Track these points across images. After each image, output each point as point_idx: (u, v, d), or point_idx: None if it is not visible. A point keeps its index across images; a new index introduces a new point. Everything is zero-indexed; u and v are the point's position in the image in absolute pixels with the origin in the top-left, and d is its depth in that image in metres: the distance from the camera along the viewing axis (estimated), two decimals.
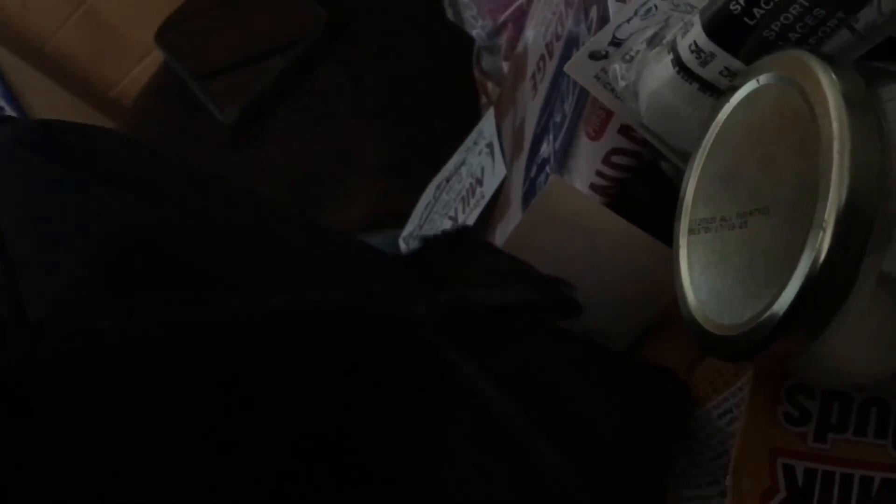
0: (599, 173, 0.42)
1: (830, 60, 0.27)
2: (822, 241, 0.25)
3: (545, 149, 0.47)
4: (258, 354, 0.27)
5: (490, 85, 0.62)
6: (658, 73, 0.34)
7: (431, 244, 0.41)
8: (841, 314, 0.26)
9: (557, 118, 0.45)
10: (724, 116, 0.31)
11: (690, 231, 0.32)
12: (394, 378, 0.29)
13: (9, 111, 1.01)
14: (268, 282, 0.30)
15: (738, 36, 0.32)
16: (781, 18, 0.31)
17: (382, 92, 0.70)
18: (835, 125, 0.25)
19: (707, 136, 0.32)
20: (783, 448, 0.31)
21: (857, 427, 0.32)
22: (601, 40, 0.39)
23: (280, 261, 0.32)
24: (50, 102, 1.03)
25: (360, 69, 0.70)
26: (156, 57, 0.90)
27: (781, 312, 0.26)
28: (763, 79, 0.30)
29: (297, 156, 0.70)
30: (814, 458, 0.31)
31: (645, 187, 0.42)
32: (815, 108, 0.26)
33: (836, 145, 0.25)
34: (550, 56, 0.50)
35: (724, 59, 0.32)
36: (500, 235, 0.51)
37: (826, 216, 0.25)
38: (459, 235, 0.41)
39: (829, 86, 0.26)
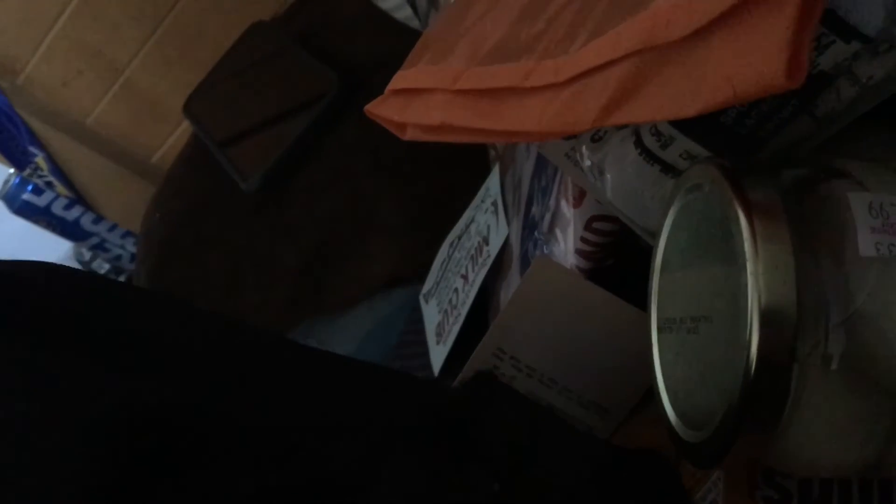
0: (584, 239, 0.42)
1: (745, 171, 0.27)
2: (748, 359, 0.25)
3: (535, 211, 0.47)
4: None
5: None
6: (622, 155, 0.35)
7: (457, 398, 0.38)
8: (788, 416, 0.25)
9: (543, 183, 0.46)
10: (671, 221, 0.31)
11: (659, 329, 0.32)
12: None
13: (58, 185, 1.05)
14: (289, 451, 0.28)
15: (696, 120, 0.32)
16: (736, 105, 0.31)
17: (396, 149, 0.71)
18: (746, 245, 0.25)
19: (661, 238, 0.32)
20: None
21: (842, 501, 0.31)
22: None
23: (313, 426, 0.30)
24: (95, 173, 1.07)
25: (374, 128, 0.71)
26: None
27: (727, 425, 0.26)
28: (694, 188, 0.30)
29: (319, 217, 0.72)
30: None
31: (630, 250, 0.42)
32: (731, 223, 0.26)
33: (749, 265, 0.25)
34: None
35: (682, 142, 0.33)
36: (504, 296, 0.52)
37: (747, 335, 0.25)
38: (477, 387, 0.38)
39: (739, 202, 0.26)
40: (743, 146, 0.33)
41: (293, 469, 0.27)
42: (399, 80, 0.41)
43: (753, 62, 0.23)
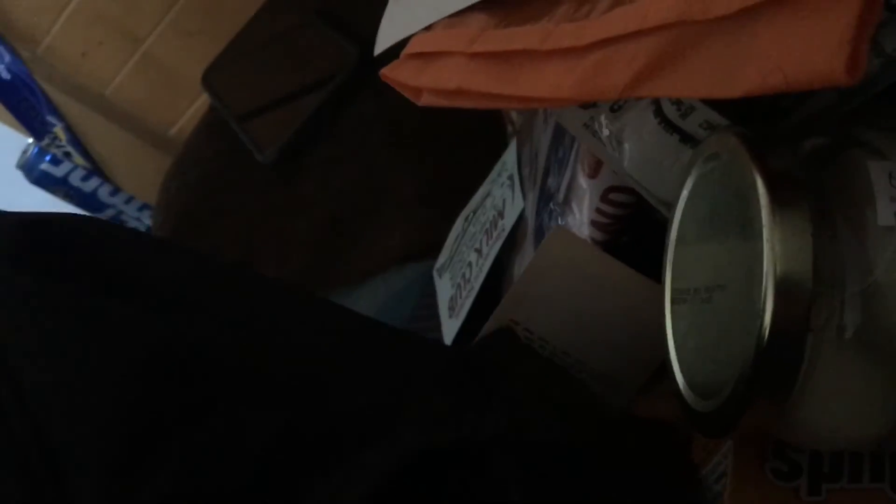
0: (599, 211, 0.41)
1: (764, 140, 0.27)
2: (762, 328, 0.24)
3: (552, 183, 0.47)
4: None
5: (514, 114, 0.62)
6: (641, 124, 0.34)
7: (475, 348, 0.40)
8: (801, 386, 0.25)
9: (560, 154, 0.45)
10: (688, 191, 0.31)
11: (673, 300, 0.31)
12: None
13: (76, 156, 1.05)
14: (315, 391, 0.30)
15: None
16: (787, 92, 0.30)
17: (413, 123, 0.71)
18: (764, 212, 0.25)
19: (677, 208, 0.31)
20: None
21: (852, 474, 0.31)
22: None
23: (328, 370, 0.31)
24: (113, 144, 1.07)
25: (391, 101, 0.71)
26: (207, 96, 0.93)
27: (739, 393, 0.26)
28: (712, 157, 0.29)
29: (335, 191, 0.72)
30: None
31: (646, 223, 0.41)
32: (748, 192, 0.26)
33: (765, 233, 0.25)
34: None
35: (703, 111, 0.32)
36: (518, 270, 0.51)
37: (761, 304, 0.24)
38: (496, 340, 0.40)
39: (758, 170, 0.26)
40: (764, 116, 0.32)
41: (321, 405, 0.28)
42: (416, 44, 0.41)
43: (810, 53, 0.22)
